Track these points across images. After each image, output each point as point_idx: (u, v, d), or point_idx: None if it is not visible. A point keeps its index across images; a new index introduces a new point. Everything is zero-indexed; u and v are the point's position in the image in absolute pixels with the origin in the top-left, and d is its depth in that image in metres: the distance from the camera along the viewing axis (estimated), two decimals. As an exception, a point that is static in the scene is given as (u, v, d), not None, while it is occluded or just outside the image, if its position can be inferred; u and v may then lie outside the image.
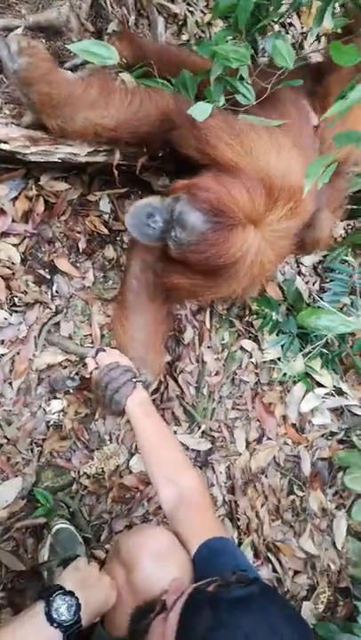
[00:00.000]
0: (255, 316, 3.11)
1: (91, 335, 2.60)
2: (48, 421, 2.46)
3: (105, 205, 2.64)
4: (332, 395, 3.28)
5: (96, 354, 2.17)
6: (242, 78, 1.94)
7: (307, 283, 3.42)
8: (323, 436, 3.25)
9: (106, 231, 2.65)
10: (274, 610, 1.21)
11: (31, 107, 1.97)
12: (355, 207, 3.48)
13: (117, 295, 2.56)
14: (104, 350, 2.19)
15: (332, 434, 3.28)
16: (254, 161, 1.91)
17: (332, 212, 2.42)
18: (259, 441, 3.06)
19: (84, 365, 2.51)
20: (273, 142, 1.95)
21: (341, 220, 3.70)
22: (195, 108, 1.83)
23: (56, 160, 2.16)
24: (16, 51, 1.89)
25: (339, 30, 2.21)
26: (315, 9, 1.96)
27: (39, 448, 2.43)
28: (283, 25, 2.99)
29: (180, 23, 2.91)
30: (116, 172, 2.22)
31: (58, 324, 2.52)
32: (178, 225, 1.89)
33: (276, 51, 1.77)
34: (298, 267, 3.44)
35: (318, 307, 3.13)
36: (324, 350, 3.21)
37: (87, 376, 2.51)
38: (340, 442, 3.29)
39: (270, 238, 1.93)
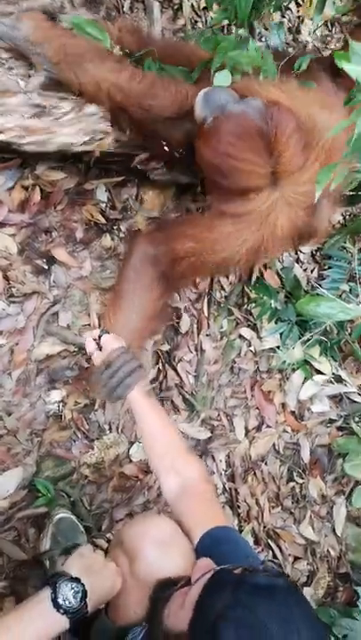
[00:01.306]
0: (254, 304, 3.10)
1: (89, 325, 2.58)
2: (48, 412, 2.46)
3: (102, 194, 2.63)
4: (331, 382, 3.28)
5: (99, 336, 2.11)
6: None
7: (305, 270, 3.41)
8: (322, 423, 3.26)
9: (103, 220, 2.64)
10: (295, 606, 1.19)
11: (48, 62, 2.02)
12: (353, 194, 3.48)
13: (113, 284, 2.54)
14: (108, 333, 2.13)
15: (331, 421, 3.29)
16: (302, 106, 1.90)
17: (332, 202, 2.41)
18: (258, 429, 3.06)
19: (84, 354, 2.51)
20: (316, 95, 1.96)
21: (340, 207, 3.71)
22: (218, 76, 1.89)
23: (52, 149, 2.14)
24: (14, 21, 1.99)
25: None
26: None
27: (39, 438, 2.42)
28: (279, 8, 2.96)
29: (176, 8, 2.89)
30: (95, 155, 2.28)
31: (56, 314, 2.51)
32: (240, 102, 1.87)
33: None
34: (296, 254, 3.43)
35: (317, 294, 3.13)
36: (323, 338, 3.21)
37: (86, 363, 2.51)
38: (340, 429, 3.30)
39: (291, 200, 1.90)
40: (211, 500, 1.89)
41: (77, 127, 2.15)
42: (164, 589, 1.51)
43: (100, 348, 2.09)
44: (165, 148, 2.22)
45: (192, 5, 2.94)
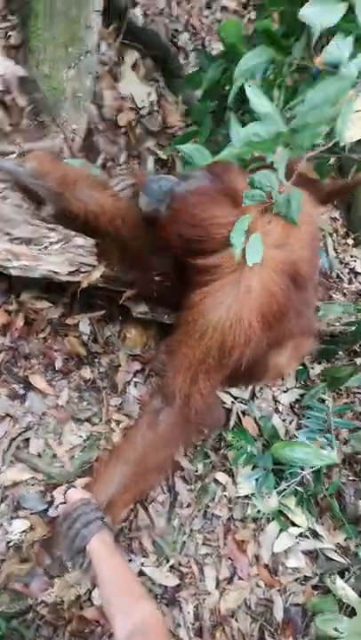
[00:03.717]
0: (230, 448, 3.08)
1: (55, 456, 2.56)
2: (9, 542, 2.36)
3: (85, 327, 2.70)
4: (307, 537, 3.18)
5: (66, 490, 2.14)
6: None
7: (284, 421, 3.42)
8: (296, 580, 3.11)
9: (84, 352, 2.69)
10: None
11: (52, 193, 2.18)
12: (328, 347, 3.59)
13: (125, 432, 2.62)
14: (75, 487, 2.17)
15: (306, 578, 3.14)
16: None
17: (296, 354, 2.49)
18: (230, 581, 2.92)
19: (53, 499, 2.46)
20: None
21: (319, 363, 3.80)
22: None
23: (37, 276, 2.22)
24: (19, 161, 2.18)
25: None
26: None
27: (-3, 570, 2.31)
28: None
29: (169, 166, 3.13)
30: (81, 286, 2.35)
31: (27, 440, 2.49)
32: (184, 180, 1.97)
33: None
34: (275, 404, 3.46)
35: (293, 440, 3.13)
36: (299, 489, 3.16)
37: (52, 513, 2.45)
38: (315, 587, 3.14)
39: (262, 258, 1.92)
40: None
41: (64, 257, 2.26)
42: None
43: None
44: (156, 277, 2.32)
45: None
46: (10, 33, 2.54)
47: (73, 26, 2.45)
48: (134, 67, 3.07)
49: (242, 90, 2.57)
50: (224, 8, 3.92)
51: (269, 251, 1.94)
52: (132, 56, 3.04)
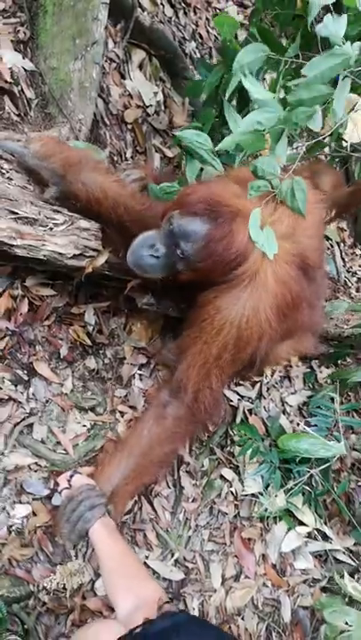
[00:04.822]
0: (237, 443, 3.05)
1: (59, 443, 2.53)
2: (10, 525, 2.31)
3: (90, 317, 2.69)
4: (316, 538, 3.12)
5: (71, 476, 2.15)
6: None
7: (291, 422, 3.39)
8: (305, 582, 3.05)
9: (89, 342, 2.67)
10: (205, 632, 1.17)
11: (55, 175, 2.17)
12: (336, 350, 3.57)
13: (130, 423, 2.64)
14: (80, 473, 2.18)
15: (315, 580, 3.08)
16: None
17: (295, 344, 2.49)
18: (236, 578, 2.86)
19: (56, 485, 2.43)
20: None
21: (327, 367, 3.78)
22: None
23: (41, 257, 2.19)
24: (24, 143, 2.19)
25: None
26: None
27: (-3, 553, 2.28)
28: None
29: (175, 164, 3.16)
30: (86, 271, 2.31)
31: (31, 426, 2.46)
32: (181, 239, 1.93)
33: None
34: (283, 405, 3.43)
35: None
36: (307, 488, 3.11)
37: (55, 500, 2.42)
38: (324, 590, 3.08)
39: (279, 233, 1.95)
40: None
41: (68, 239, 2.23)
42: None
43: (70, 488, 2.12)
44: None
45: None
46: (19, 28, 2.60)
47: (80, 19, 2.50)
48: (141, 66, 3.12)
49: (241, 92, 2.63)
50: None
51: (279, 242, 1.97)
52: (139, 55, 3.10)
